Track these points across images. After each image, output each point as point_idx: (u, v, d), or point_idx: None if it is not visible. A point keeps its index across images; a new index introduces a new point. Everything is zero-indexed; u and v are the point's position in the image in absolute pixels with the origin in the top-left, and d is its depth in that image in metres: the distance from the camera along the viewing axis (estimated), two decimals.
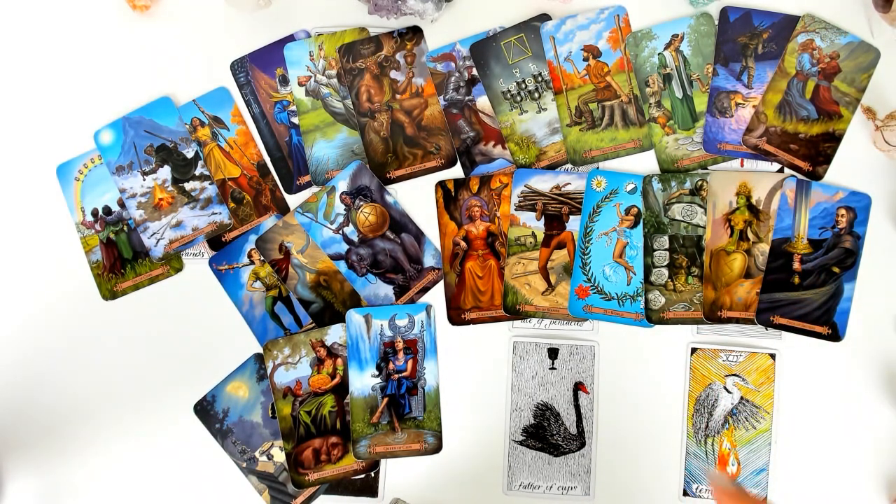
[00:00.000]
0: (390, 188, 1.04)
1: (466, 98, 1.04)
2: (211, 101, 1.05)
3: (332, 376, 1.02)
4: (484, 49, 1.03)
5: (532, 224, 1.02)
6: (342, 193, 1.03)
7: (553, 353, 1.01)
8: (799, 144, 1.00)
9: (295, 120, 1.05)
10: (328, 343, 1.02)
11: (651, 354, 1.01)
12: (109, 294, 1.04)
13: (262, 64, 1.05)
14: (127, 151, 1.04)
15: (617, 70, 1.03)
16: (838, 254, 0.98)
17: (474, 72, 1.04)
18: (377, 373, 1.01)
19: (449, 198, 1.03)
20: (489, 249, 1.02)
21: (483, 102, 1.04)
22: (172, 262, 1.04)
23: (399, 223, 1.03)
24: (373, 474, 1.01)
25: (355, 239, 1.03)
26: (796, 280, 0.98)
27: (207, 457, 1.02)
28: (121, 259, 1.04)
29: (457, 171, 1.04)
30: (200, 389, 1.02)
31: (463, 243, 1.03)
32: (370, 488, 1.01)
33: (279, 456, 1.02)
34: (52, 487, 1.03)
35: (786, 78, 1.01)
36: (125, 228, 1.04)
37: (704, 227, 1.00)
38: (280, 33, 1.05)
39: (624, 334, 1.01)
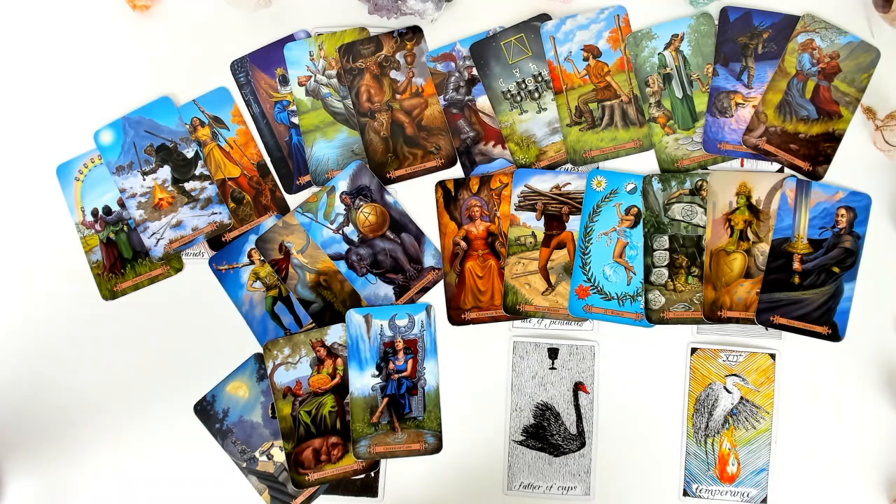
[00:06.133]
0: (390, 188, 1.04)
1: (466, 98, 1.04)
2: (211, 101, 1.05)
3: (332, 376, 1.02)
4: (484, 49, 1.03)
5: (532, 224, 1.02)
6: (342, 193, 1.03)
7: (553, 353, 1.01)
8: (799, 144, 1.00)
9: (295, 120, 1.05)
10: (328, 343, 1.02)
11: (651, 354, 1.01)
12: (109, 294, 1.04)
13: (262, 64, 1.05)
14: (127, 151, 1.04)
15: (617, 70, 1.03)
16: (838, 254, 0.98)
17: (474, 72, 1.04)
18: (377, 373, 1.01)
19: (449, 198, 1.03)
20: (489, 249, 1.02)
21: (483, 102, 1.04)
22: (172, 262, 1.04)
23: (399, 223, 1.03)
24: (373, 474, 1.01)
25: (355, 239, 1.03)
26: (796, 280, 0.98)
27: (207, 457, 1.02)
28: (121, 259, 1.04)
29: (457, 171, 1.04)
30: (200, 389, 1.02)
31: (463, 243, 1.03)
32: (370, 488, 1.01)
33: (279, 456, 1.02)
34: (52, 487, 1.03)
35: (786, 78, 1.01)
36: (125, 228, 1.04)
37: (704, 227, 1.00)
38: (280, 33, 1.05)
39: (624, 334, 1.01)
